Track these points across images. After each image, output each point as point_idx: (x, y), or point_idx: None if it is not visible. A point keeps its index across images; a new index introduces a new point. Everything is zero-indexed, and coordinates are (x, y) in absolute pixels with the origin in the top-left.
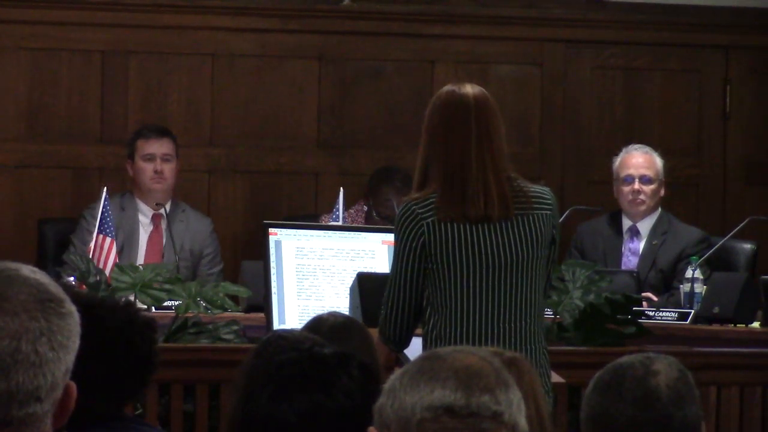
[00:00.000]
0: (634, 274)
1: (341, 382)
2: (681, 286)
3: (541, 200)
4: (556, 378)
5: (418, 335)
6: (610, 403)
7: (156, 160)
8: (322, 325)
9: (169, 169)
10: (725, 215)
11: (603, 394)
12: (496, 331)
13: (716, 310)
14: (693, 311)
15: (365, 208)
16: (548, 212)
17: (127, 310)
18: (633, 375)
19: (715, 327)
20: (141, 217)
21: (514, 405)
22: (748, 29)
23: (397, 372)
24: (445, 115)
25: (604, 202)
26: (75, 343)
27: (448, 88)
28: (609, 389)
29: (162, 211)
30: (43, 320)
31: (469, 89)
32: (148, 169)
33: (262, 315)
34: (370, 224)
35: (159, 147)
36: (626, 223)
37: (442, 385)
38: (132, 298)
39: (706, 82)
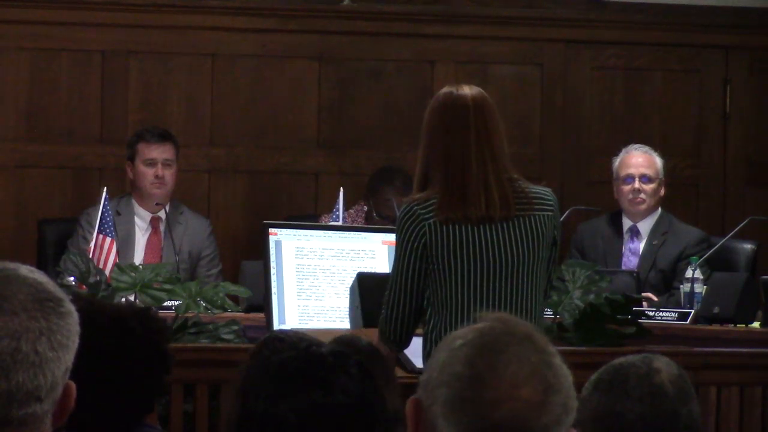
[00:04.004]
0: (635, 274)
1: (340, 380)
2: (681, 286)
3: (542, 201)
4: None
5: (418, 335)
6: (616, 402)
7: (157, 165)
8: (356, 342)
9: (170, 174)
10: (725, 215)
11: (607, 393)
12: None
13: (716, 310)
14: (693, 311)
15: (365, 208)
16: (549, 213)
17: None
18: (636, 373)
19: (715, 327)
20: (138, 221)
21: None
22: (748, 29)
23: (446, 373)
24: (444, 116)
25: (604, 202)
26: (74, 342)
27: (446, 89)
28: (613, 388)
29: (160, 213)
30: (43, 320)
31: (467, 90)
32: (149, 173)
33: (262, 315)
34: (370, 224)
35: (161, 152)
36: (626, 223)
37: None
38: (132, 298)
39: (706, 82)
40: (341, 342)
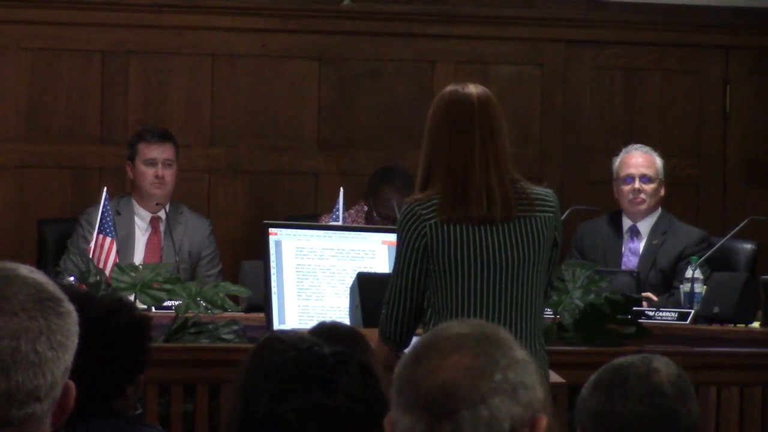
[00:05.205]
0: (634, 274)
1: (341, 381)
2: (681, 286)
3: (543, 202)
4: (556, 378)
5: (418, 335)
6: (615, 402)
7: (158, 165)
8: (337, 329)
9: (170, 174)
10: (725, 215)
11: (606, 393)
12: None
13: (716, 310)
14: (693, 311)
15: (365, 208)
16: (551, 214)
17: (114, 304)
18: (636, 373)
19: (715, 327)
20: (138, 221)
21: (492, 410)
22: (748, 29)
23: (398, 366)
24: (449, 115)
25: (604, 202)
26: (74, 342)
27: (451, 87)
28: (612, 388)
29: (160, 213)
30: (42, 320)
31: (473, 89)
32: (149, 173)
33: (262, 315)
34: (370, 224)
35: (161, 152)
36: (626, 223)
37: (410, 413)
38: (132, 298)
39: (706, 82)
40: (322, 329)
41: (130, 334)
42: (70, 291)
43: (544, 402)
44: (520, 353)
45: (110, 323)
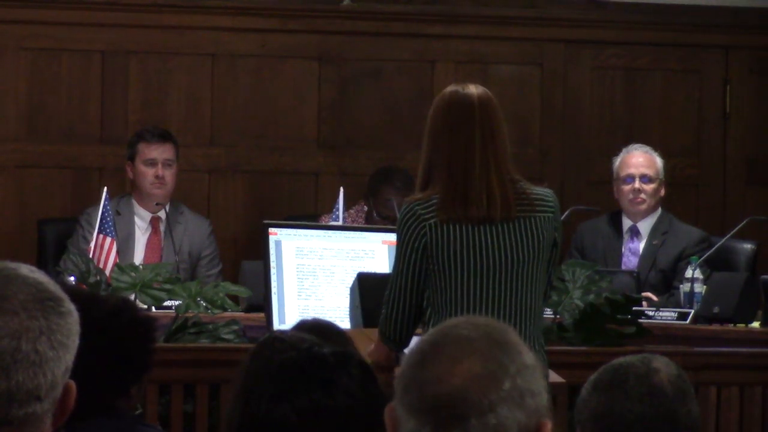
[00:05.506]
0: (634, 274)
1: (341, 381)
2: (681, 285)
3: (543, 203)
4: (556, 378)
5: (418, 335)
6: (615, 402)
7: (158, 165)
8: (318, 327)
9: (170, 174)
10: (725, 215)
11: (606, 393)
12: None
13: (716, 310)
14: (693, 311)
15: (365, 208)
16: (550, 215)
17: (118, 305)
18: (635, 373)
19: (715, 327)
20: (138, 221)
21: (499, 418)
22: (748, 29)
23: (404, 363)
24: (449, 115)
25: (604, 202)
26: (75, 342)
27: (451, 88)
28: (612, 388)
29: (160, 213)
30: (43, 319)
31: (473, 89)
32: (149, 173)
33: (262, 315)
34: (370, 224)
35: (161, 152)
36: (626, 223)
37: (416, 416)
38: (132, 298)
39: (706, 82)
40: (302, 328)
41: (133, 335)
42: (73, 291)
43: (548, 406)
44: (528, 357)
45: (113, 324)
